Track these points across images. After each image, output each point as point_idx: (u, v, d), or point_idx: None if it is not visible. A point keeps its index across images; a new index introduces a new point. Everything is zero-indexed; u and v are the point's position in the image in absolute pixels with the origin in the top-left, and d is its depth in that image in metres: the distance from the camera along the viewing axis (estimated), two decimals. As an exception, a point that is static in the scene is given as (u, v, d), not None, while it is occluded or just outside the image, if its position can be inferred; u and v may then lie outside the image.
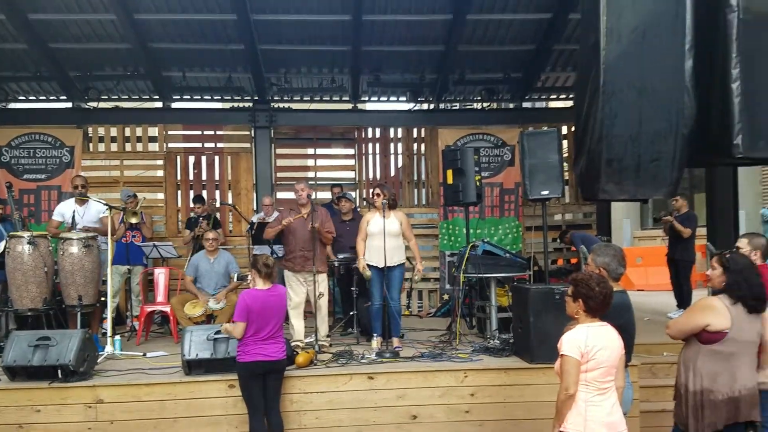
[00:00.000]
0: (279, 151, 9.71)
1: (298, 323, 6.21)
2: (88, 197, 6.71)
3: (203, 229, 7.72)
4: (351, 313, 6.74)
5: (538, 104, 11.65)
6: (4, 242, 6.24)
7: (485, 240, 6.68)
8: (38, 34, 8.18)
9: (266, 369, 4.58)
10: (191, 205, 8.94)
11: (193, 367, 5.06)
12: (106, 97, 9.25)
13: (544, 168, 6.07)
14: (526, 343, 5.22)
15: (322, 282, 6.23)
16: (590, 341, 2.98)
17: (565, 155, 9.12)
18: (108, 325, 6.14)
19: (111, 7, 7.69)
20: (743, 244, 4.04)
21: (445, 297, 8.93)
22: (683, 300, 7.60)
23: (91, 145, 9.27)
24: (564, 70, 9.53)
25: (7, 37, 8.23)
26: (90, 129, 9.25)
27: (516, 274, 6.43)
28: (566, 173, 8.75)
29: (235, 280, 6.93)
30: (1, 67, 8.79)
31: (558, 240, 9.55)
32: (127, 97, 9.61)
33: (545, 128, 9.17)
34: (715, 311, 3.43)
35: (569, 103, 9.89)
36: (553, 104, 11.43)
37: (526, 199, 7.02)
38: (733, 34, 5.00)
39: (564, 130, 9.46)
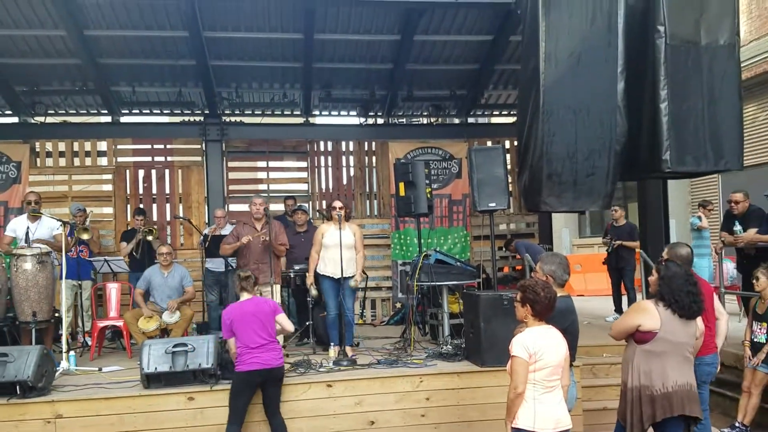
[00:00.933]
0: (231, 164, 9.77)
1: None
2: (41, 213, 6.65)
3: (143, 235, 7.73)
4: (307, 323, 6.87)
5: (482, 120, 12.09)
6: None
7: (437, 249, 6.96)
8: (-18, 49, 8.03)
9: (265, 377, 4.78)
10: (132, 217, 8.86)
11: (152, 380, 5.10)
12: (53, 111, 9.13)
13: (491, 181, 6.38)
14: (477, 347, 5.48)
15: (277, 294, 6.37)
16: (537, 343, 3.26)
17: (510, 168, 9.58)
18: (63, 340, 6.09)
19: (61, 23, 7.62)
20: (664, 254, 4.40)
21: (398, 305, 9.17)
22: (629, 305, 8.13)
23: (38, 160, 9.11)
24: (506, 88, 9.99)
25: (-51, 50, 8.04)
26: (37, 144, 9.09)
27: (466, 281, 6.74)
28: (511, 185, 9.16)
29: (191, 293, 6.97)
30: (-58, 80, 8.58)
31: (503, 248, 9.95)
32: (75, 111, 9.49)
33: (490, 144, 9.71)
34: (646, 313, 3.71)
35: (512, 119, 10.35)
36: (496, 119, 11.90)
37: (474, 211, 7.35)
38: (662, 58, 5.47)
39: (507, 144, 9.92)
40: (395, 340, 6.86)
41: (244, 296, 5.02)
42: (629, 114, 5.52)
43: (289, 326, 5.25)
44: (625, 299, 8.31)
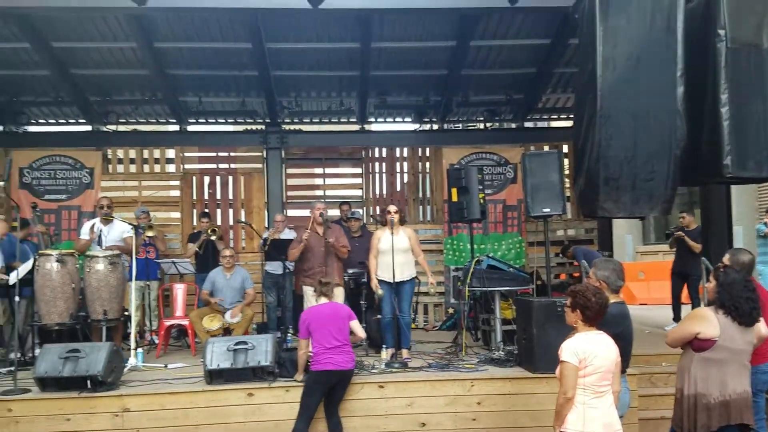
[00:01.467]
0: (289, 170, 10.06)
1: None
2: (113, 217, 7.04)
3: (207, 235, 8.06)
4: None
5: (540, 124, 11.97)
6: (31, 260, 6.54)
7: (489, 255, 6.96)
8: (60, 61, 8.54)
9: (337, 378, 5.00)
10: (198, 220, 9.22)
11: (214, 376, 5.34)
12: (124, 120, 9.65)
13: (545, 186, 6.36)
14: (529, 353, 5.47)
15: (339, 296, 6.53)
16: (587, 348, 3.26)
17: (567, 173, 9.46)
18: (132, 338, 6.43)
19: (132, 35, 8.05)
20: (725, 259, 4.31)
21: (450, 311, 9.19)
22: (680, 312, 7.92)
23: (110, 166, 9.62)
24: (564, 91, 9.86)
25: (30, 63, 8.59)
26: (109, 151, 9.60)
27: (519, 287, 6.71)
28: (568, 190, 9.05)
29: (251, 295, 7.23)
30: (24, 92, 9.16)
31: (561, 255, 9.82)
32: (144, 120, 9.98)
33: (547, 149, 9.60)
34: (705, 320, 3.67)
35: (570, 123, 10.22)
36: (554, 123, 11.75)
37: (528, 216, 7.31)
38: (722, 61, 5.33)
39: (566, 148, 9.78)
40: (447, 345, 6.91)
41: (322, 300, 5.25)
42: (689, 118, 5.39)
43: (361, 332, 5.41)
44: (688, 309, 8.08)
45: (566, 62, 8.97)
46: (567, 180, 9.14)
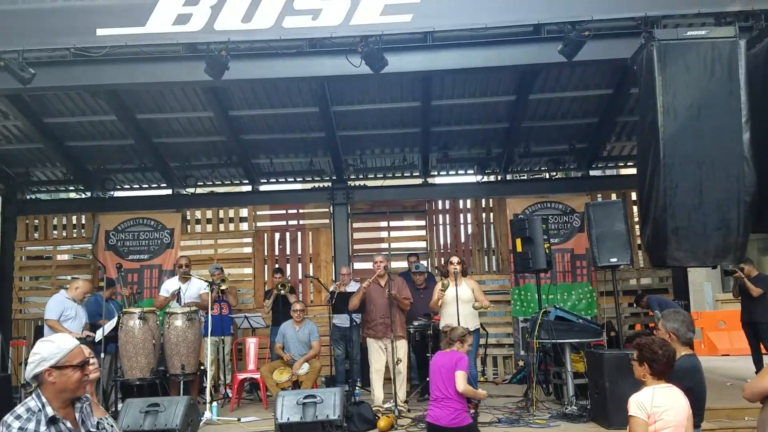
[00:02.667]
0: (355, 225, 10.33)
1: (378, 388, 6.59)
2: (191, 275, 7.45)
3: (278, 290, 8.33)
4: (428, 379, 7.00)
5: (608, 171, 11.82)
6: (116, 318, 6.96)
7: (557, 306, 6.88)
8: (144, 131, 9.21)
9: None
10: (272, 276, 9.56)
11: (284, 430, 5.47)
12: (201, 183, 10.24)
13: (611, 236, 6.30)
14: (603, 408, 5.35)
15: (402, 348, 6.60)
16: (656, 402, 3.20)
17: (636, 220, 9.27)
18: (208, 392, 6.69)
19: (209, 106, 8.64)
20: None
21: (520, 363, 9.03)
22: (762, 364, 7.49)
23: (188, 226, 10.17)
24: (629, 139, 9.74)
25: (117, 134, 9.32)
26: (188, 212, 10.17)
27: (590, 339, 6.59)
28: (638, 239, 8.85)
29: (316, 348, 7.39)
30: (110, 160, 9.88)
31: (635, 304, 9.54)
32: (220, 182, 10.54)
33: (615, 197, 9.49)
34: (783, 372, 3.55)
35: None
36: (622, 171, 11.56)
37: (595, 267, 7.22)
38: (788, 105, 5.26)
39: (633, 196, 9.63)
40: (518, 399, 6.80)
41: (447, 348, 5.14)
42: (757, 163, 5.29)
43: (460, 384, 4.80)
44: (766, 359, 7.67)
45: (630, 110, 8.90)
46: (638, 227, 8.98)
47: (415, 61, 6.54)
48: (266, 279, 9.98)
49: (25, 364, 8.23)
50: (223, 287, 7.87)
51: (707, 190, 5.40)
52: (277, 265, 9.74)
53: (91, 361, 2.71)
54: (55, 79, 6.61)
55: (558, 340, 6.33)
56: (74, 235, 10.27)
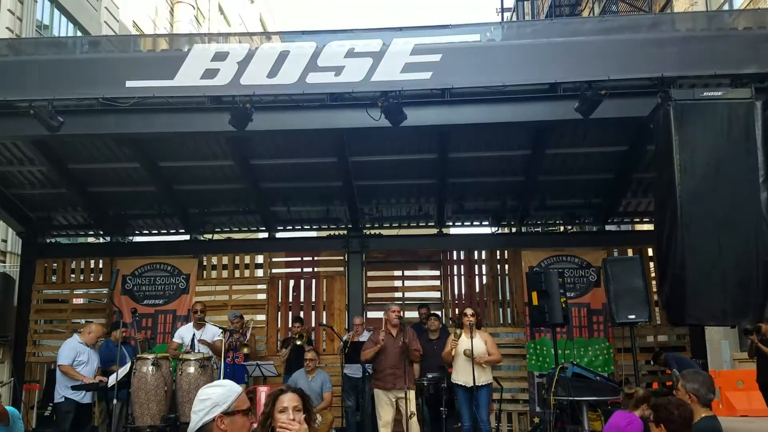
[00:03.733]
0: (370, 273, 10.30)
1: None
2: (206, 322, 7.47)
3: (295, 340, 8.28)
4: (444, 433, 6.88)
5: (624, 227, 11.79)
6: (129, 364, 6.96)
7: (574, 362, 6.79)
8: (165, 178, 9.36)
9: None
10: (290, 324, 9.54)
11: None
12: (219, 229, 10.34)
13: (629, 293, 6.30)
14: (621, 470, 5.21)
15: (412, 400, 6.51)
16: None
17: (653, 276, 9.20)
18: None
19: (231, 155, 8.80)
20: None
21: (536, 420, 8.84)
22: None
23: (204, 272, 10.22)
24: (645, 196, 9.73)
25: (139, 181, 9.47)
26: (204, 258, 10.24)
27: (608, 397, 6.47)
28: (655, 295, 8.75)
29: (328, 399, 7.31)
30: (131, 206, 10.03)
31: (652, 362, 9.37)
32: (237, 229, 10.63)
33: (631, 252, 9.44)
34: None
35: (653, 226, 10.05)
36: (638, 226, 11.53)
37: (613, 323, 7.15)
38: (805, 166, 5.29)
39: (650, 251, 9.58)
40: (534, 457, 6.65)
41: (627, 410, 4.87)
42: (776, 223, 5.30)
43: None
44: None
45: (646, 167, 8.91)
46: (654, 284, 8.91)
47: (433, 116, 6.69)
48: (279, 326, 9.95)
49: (38, 408, 8.27)
50: (245, 351, 7.82)
51: (726, 248, 5.40)
52: (300, 314, 9.72)
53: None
54: (81, 126, 6.81)
55: (575, 398, 6.23)
56: (91, 279, 10.35)
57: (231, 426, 2.24)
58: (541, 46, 6.43)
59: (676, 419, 3.24)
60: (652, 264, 9.37)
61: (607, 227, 10.47)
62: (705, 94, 5.74)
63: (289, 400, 2.47)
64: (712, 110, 5.64)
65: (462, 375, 6.37)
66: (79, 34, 14.97)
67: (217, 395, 2.27)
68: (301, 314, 9.96)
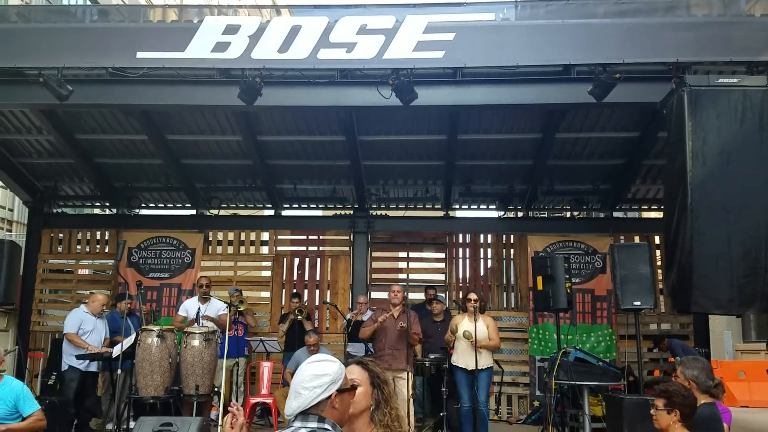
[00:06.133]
0: (375, 254, 10.32)
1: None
2: (210, 296, 7.49)
3: (294, 315, 8.35)
4: (441, 414, 6.92)
5: (630, 214, 11.74)
6: (133, 335, 6.99)
7: (577, 347, 6.80)
8: (173, 152, 9.35)
9: None
10: (290, 300, 9.56)
11: (296, 459, 5.41)
12: (225, 205, 10.32)
13: (635, 279, 6.25)
14: (620, 455, 5.24)
15: (403, 385, 6.50)
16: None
17: (659, 264, 9.18)
18: (219, 414, 6.66)
19: (239, 130, 8.77)
20: None
21: (536, 403, 8.88)
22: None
23: (209, 247, 10.24)
24: (654, 182, 9.69)
25: (146, 153, 9.47)
26: (210, 233, 10.25)
27: (610, 383, 6.49)
28: (661, 283, 8.73)
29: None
30: (138, 178, 10.04)
31: (655, 349, 9.37)
32: (243, 205, 10.63)
33: (638, 239, 9.40)
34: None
35: (661, 214, 9.99)
36: (645, 214, 11.48)
37: (618, 309, 7.13)
38: (817, 156, 5.23)
39: (657, 239, 9.55)
40: (533, 440, 6.69)
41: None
42: (787, 213, 5.25)
43: None
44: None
45: (656, 154, 8.86)
46: (660, 272, 8.89)
47: (444, 95, 6.62)
48: (283, 303, 9.98)
49: (42, 376, 8.36)
50: (241, 309, 7.90)
51: (735, 237, 5.36)
52: (295, 290, 9.75)
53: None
54: (90, 96, 6.77)
55: (577, 382, 6.24)
56: (97, 251, 10.38)
57: (341, 405, 2.13)
58: (556, 27, 6.34)
59: (690, 403, 3.23)
60: (658, 252, 9.36)
61: (615, 214, 10.42)
62: (720, 80, 5.66)
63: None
64: (727, 97, 5.56)
65: (462, 358, 6.39)
66: (88, 2, 14.86)
67: (334, 371, 2.13)
68: (305, 293, 10.00)
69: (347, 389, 2.15)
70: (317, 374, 2.10)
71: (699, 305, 5.54)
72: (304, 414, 2.07)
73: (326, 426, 2.05)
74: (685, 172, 5.46)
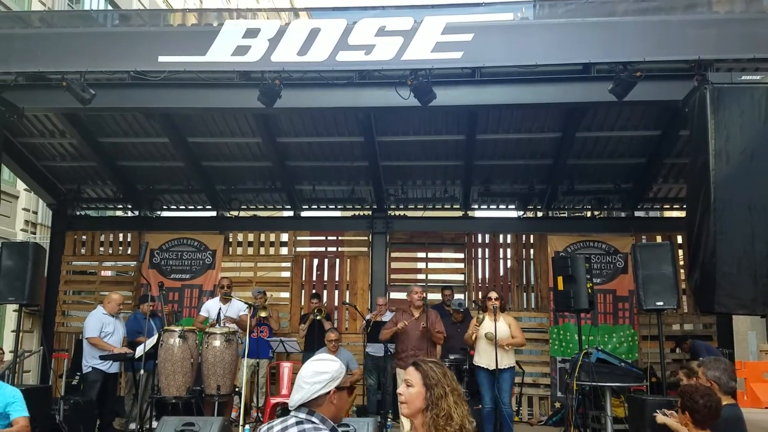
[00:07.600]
0: (393, 254, 10.33)
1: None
2: (231, 297, 7.55)
3: (314, 315, 8.39)
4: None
5: (652, 213, 11.60)
6: (156, 336, 7.07)
7: (599, 348, 6.74)
8: (194, 154, 9.45)
9: None
10: (309, 301, 9.61)
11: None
12: (245, 207, 10.41)
13: (657, 279, 6.18)
14: (643, 457, 5.19)
15: None
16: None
17: (682, 264, 9.05)
18: (241, 414, 6.71)
19: (258, 132, 8.83)
20: None
21: (557, 405, 8.82)
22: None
23: (230, 249, 10.34)
24: (676, 181, 9.56)
25: (168, 156, 9.58)
26: (230, 235, 10.35)
27: (632, 384, 6.42)
28: (684, 282, 8.63)
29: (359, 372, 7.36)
30: (159, 181, 10.16)
31: (677, 349, 9.26)
32: (263, 207, 10.72)
33: (660, 239, 9.29)
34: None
35: (684, 213, 9.87)
36: (667, 213, 11.33)
37: (641, 309, 7.06)
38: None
39: (680, 239, 9.44)
40: (554, 441, 6.65)
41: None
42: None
43: None
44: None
45: (678, 153, 8.75)
46: (682, 272, 8.77)
47: (462, 95, 6.61)
48: (303, 304, 10.03)
49: (66, 376, 8.48)
50: (263, 314, 7.93)
51: (758, 236, 5.29)
52: (314, 291, 9.80)
53: None
54: (112, 100, 6.86)
55: (599, 383, 6.18)
56: (119, 252, 10.52)
57: (338, 401, 2.35)
58: (575, 26, 6.30)
59: (700, 408, 3.20)
60: (681, 251, 9.24)
61: (636, 213, 10.30)
62: (743, 78, 5.59)
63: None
64: (750, 95, 5.49)
65: (484, 358, 6.36)
66: (109, 7, 15.06)
67: (334, 370, 2.34)
68: (325, 293, 10.04)
69: (345, 387, 2.37)
70: (319, 371, 2.32)
71: (722, 305, 5.46)
72: (302, 407, 2.32)
73: (314, 419, 2.29)
74: (707, 171, 5.40)
